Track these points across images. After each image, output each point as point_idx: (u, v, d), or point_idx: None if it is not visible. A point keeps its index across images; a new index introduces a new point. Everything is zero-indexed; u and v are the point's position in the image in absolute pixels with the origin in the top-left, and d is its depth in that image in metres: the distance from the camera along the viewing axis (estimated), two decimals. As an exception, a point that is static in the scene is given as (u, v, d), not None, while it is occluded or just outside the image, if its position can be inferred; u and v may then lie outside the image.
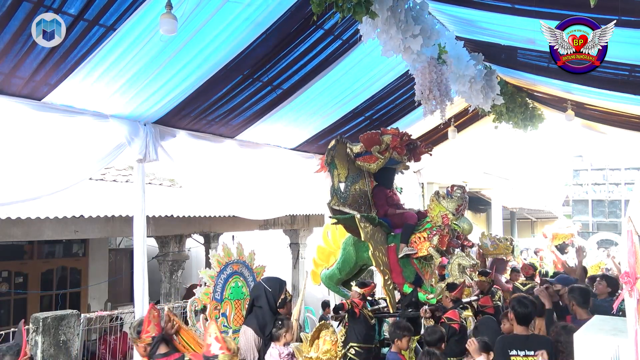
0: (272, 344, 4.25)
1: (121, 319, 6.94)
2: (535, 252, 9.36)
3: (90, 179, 6.06)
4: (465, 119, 8.35)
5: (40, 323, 4.95)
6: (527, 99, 7.43)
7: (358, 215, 5.19)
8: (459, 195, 5.30)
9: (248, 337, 4.46)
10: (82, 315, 5.57)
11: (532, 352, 3.47)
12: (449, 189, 5.41)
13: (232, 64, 4.60)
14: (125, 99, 4.49)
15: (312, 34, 4.78)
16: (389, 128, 5.66)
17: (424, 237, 5.31)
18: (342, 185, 5.53)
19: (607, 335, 2.59)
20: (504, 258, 8.09)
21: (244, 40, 4.34)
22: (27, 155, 4.25)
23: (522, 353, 3.49)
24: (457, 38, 5.11)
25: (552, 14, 3.72)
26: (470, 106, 6.06)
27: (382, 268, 5.28)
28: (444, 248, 5.28)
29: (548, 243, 10.32)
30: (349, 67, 5.50)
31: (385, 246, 5.49)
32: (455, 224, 5.31)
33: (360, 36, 3.92)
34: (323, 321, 4.86)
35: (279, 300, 4.60)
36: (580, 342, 2.62)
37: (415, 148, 5.84)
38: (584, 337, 2.64)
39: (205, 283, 5.09)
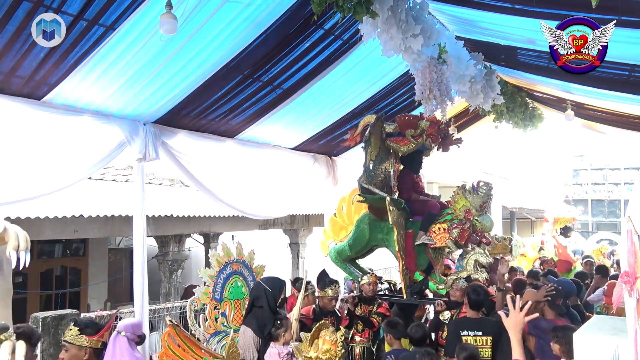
0: (272, 344, 4.24)
1: (121, 318, 6.93)
2: (522, 255, 9.35)
3: (90, 178, 6.06)
4: (466, 119, 8.36)
5: (40, 323, 4.95)
6: (527, 98, 7.44)
7: (389, 198, 5.12)
8: (484, 191, 5.24)
9: (247, 337, 4.45)
10: (82, 314, 5.57)
11: (480, 333, 4.04)
12: (475, 184, 5.33)
13: (232, 63, 4.59)
14: (125, 98, 4.49)
15: (312, 34, 4.77)
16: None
17: (444, 229, 5.25)
18: (371, 164, 5.46)
19: (606, 335, 2.58)
20: (502, 257, 8.09)
21: (244, 39, 4.33)
22: (26, 154, 4.25)
23: (472, 333, 4.05)
24: (457, 38, 5.11)
25: (552, 14, 3.72)
26: (470, 106, 6.05)
27: (400, 253, 5.25)
28: (463, 242, 5.27)
29: (550, 227, 10.25)
30: (349, 67, 5.49)
31: (404, 231, 5.45)
32: (476, 219, 5.29)
33: (361, 36, 3.92)
34: (323, 320, 4.85)
35: (279, 300, 4.59)
36: (579, 342, 2.62)
37: (445, 138, 5.78)
38: (584, 337, 2.63)
39: (205, 283, 5.08)
